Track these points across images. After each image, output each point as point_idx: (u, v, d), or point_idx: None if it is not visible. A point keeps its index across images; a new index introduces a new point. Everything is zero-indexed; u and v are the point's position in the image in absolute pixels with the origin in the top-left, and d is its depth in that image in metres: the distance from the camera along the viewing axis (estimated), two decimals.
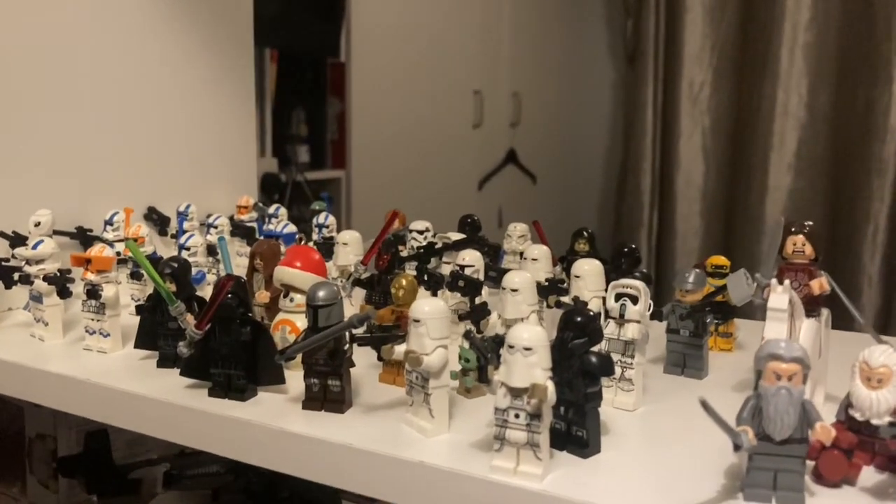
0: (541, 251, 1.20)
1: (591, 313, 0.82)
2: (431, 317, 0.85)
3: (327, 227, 1.43)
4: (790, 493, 0.72)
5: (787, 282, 0.81)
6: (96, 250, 1.10)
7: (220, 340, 0.95)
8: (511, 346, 0.76)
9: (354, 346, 0.94)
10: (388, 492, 0.84)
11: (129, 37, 1.58)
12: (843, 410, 0.81)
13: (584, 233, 1.31)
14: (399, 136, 3.54)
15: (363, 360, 1.00)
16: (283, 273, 1.02)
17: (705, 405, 0.66)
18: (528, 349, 0.75)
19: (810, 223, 0.90)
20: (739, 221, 3.53)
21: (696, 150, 3.68)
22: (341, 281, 1.27)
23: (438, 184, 3.73)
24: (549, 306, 1.12)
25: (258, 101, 3.08)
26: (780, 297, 0.79)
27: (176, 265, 1.03)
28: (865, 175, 3.17)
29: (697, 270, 1.05)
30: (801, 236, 0.88)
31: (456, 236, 1.32)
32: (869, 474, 0.78)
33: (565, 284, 1.11)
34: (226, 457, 0.94)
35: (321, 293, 0.91)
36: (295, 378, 0.97)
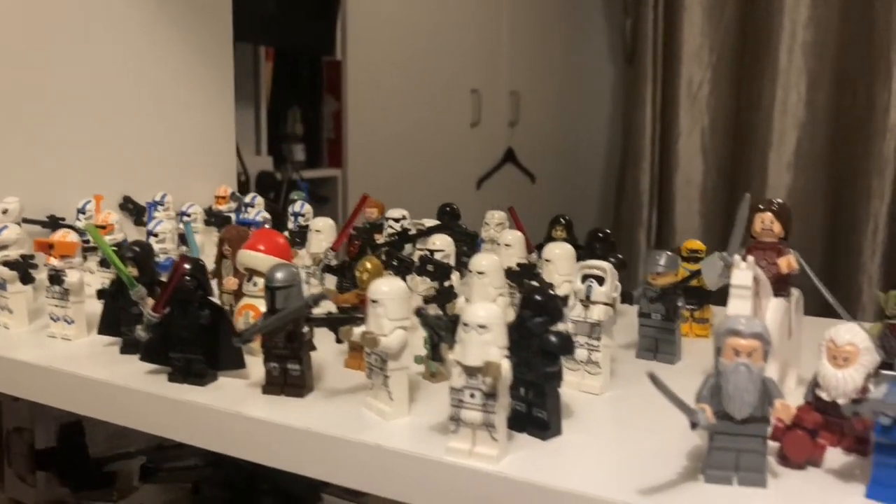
0: (514, 237, 1.18)
1: (551, 292, 0.80)
2: (390, 297, 0.83)
3: (303, 215, 1.41)
4: (752, 474, 0.70)
5: (750, 258, 0.78)
6: (59, 235, 1.08)
7: (179, 324, 0.93)
8: (466, 325, 0.74)
9: (317, 330, 0.92)
10: (344, 476, 0.82)
11: (108, 26, 1.57)
12: (810, 391, 0.79)
13: (562, 220, 1.30)
14: (396, 135, 3.52)
15: (330, 346, 0.98)
16: (246, 256, 1.00)
17: (654, 379, 0.64)
18: (482, 327, 0.73)
19: (779, 200, 0.87)
20: None
21: (696, 148, 3.66)
22: (313, 269, 1.25)
23: (436, 183, 3.70)
24: (521, 292, 1.10)
25: (253, 100, 3.08)
26: (743, 273, 0.77)
27: (138, 249, 1.02)
28: (865, 173, 3.14)
29: (669, 253, 1.03)
30: (769, 214, 0.86)
31: (431, 223, 1.30)
32: (837, 456, 0.76)
33: (537, 269, 1.09)
34: (184, 442, 0.92)
35: (279, 275, 0.89)
36: (257, 363, 0.95)
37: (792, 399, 0.82)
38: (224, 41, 1.76)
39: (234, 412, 0.87)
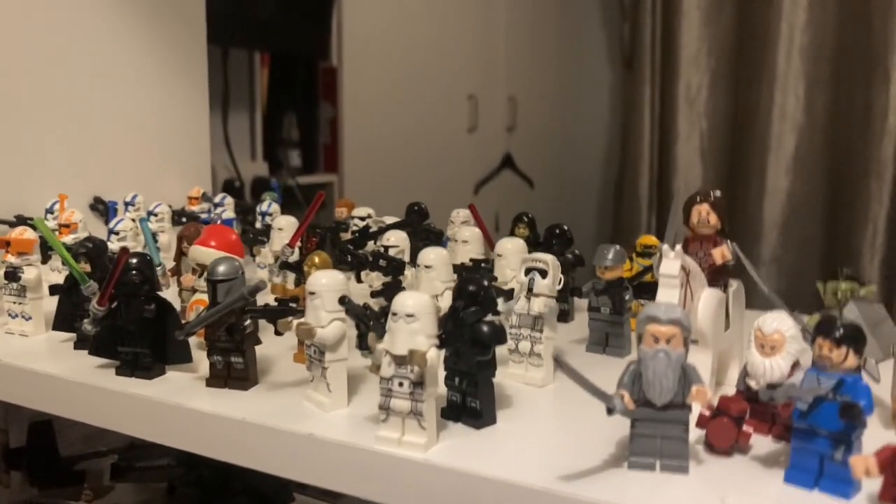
0: (472, 233, 1.19)
1: (484, 282, 0.80)
2: (328, 289, 0.83)
3: (270, 214, 1.42)
4: (674, 461, 0.70)
5: (678, 247, 0.78)
6: (17, 232, 1.09)
7: (125, 318, 0.94)
8: (395, 314, 0.74)
9: (264, 324, 0.92)
10: (278, 465, 0.83)
11: (79, 27, 1.58)
12: (741, 380, 0.79)
13: (525, 217, 1.30)
14: (392, 141, 3.52)
15: (281, 341, 0.99)
16: (197, 252, 1.01)
17: (560, 362, 0.64)
18: (410, 315, 0.74)
19: (717, 193, 0.87)
20: (738, 223, 3.49)
21: (694, 152, 3.66)
22: (274, 266, 1.26)
23: (433, 188, 3.69)
24: None
25: (249, 105, 3.09)
26: (671, 262, 0.77)
27: (91, 245, 1.03)
28: (864, 177, 3.13)
29: (617, 247, 1.03)
30: (705, 205, 0.86)
31: (393, 220, 1.31)
32: (765, 443, 0.76)
33: (488, 263, 1.09)
34: (128, 434, 0.92)
35: (220, 268, 0.89)
36: (206, 356, 0.95)
37: (731, 392, 0.82)
38: (198, 42, 1.77)
39: (174, 404, 0.88)
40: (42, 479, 1.42)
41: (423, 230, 1.32)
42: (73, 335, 1.07)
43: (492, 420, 0.81)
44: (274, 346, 0.99)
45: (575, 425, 0.82)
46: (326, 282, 0.84)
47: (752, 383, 0.76)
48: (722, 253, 0.85)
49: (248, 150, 3.11)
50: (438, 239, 1.34)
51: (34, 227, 1.11)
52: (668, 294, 0.77)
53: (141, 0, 1.67)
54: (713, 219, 0.86)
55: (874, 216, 3.11)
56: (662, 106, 3.74)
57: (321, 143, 3.42)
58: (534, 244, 1.24)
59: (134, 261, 0.93)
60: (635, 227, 3.81)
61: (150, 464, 1.50)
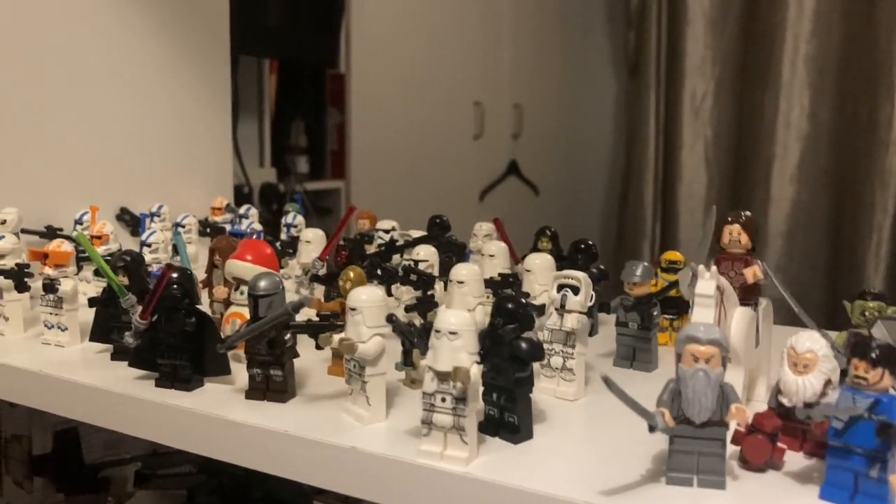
0: (498, 248, 1.21)
1: (521, 300, 0.82)
2: (368, 305, 0.86)
3: (295, 226, 1.44)
4: (711, 476, 0.72)
5: (713, 268, 0.81)
6: (54, 245, 1.11)
7: (166, 331, 0.96)
8: (438, 331, 0.77)
9: (301, 337, 0.94)
10: (320, 477, 0.84)
11: (105, 39, 1.60)
12: (773, 397, 0.81)
13: (547, 231, 1.32)
14: (399, 147, 3.54)
15: (315, 353, 1.01)
16: (233, 266, 1.03)
17: (608, 382, 0.66)
18: (453, 333, 0.76)
19: (747, 213, 0.90)
20: None
21: (699, 161, 3.67)
22: (303, 278, 1.28)
23: (439, 195, 3.72)
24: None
25: (257, 112, 3.11)
26: (706, 282, 0.79)
27: (129, 258, 1.05)
28: (869, 187, 3.14)
29: (645, 263, 1.05)
30: (736, 226, 0.88)
31: (419, 234, 1.33)
32: (798, 459, 0.78)
33: (517, 279, 1.11)
34: (169, 445, 0.94)
35: (262, 283, 0.91)
36: (243, 369, 0.97)
37: (761, 406, 0.84)
38: (221, 53, 1.79)
39: (215, 416, 0.90)
40: (68, 486, 1.44)
41: (446, 243, 1.34)
42: (109, 346, 1.09)
43: (529, 435, 0.83)
44: (307, 358, 1.01)
45: (610, 440, 0.85)
46: (367, 298, 0.86)
47: (785, 401, 0.78)
48: (754, 272, 0.87)
49: (256, 157, 3.13)
50: (461, 252, 1.36)
51: (70, 239, 1.12)
52: (703, 314, 0.79)
53: (166, 13, 1.69)
54: (744, 239, 0.88)
55: (879, 225, 3.13)
56: (667, 114, 3.76)
57: (329, 150, 3.44)
58: (557, 258, 1.26)
59: (175, 275, 0.95)
60: (639, 235, 3.83)
61: (172, 471, 1.52)
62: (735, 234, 0.88)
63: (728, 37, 3.57)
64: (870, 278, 3.14)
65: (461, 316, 0.77)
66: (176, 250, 1.35)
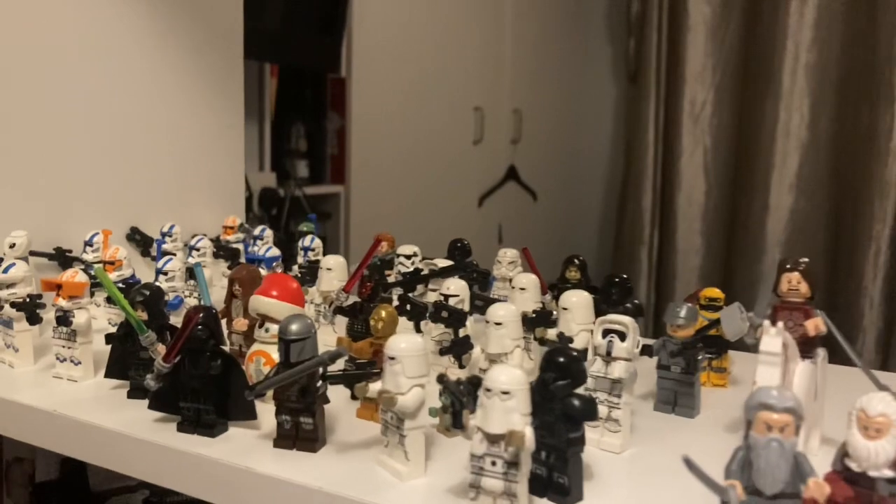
0: (529, 280, 1.16)
1: (575, 353, 0.78)
2: (408, 354, 0.81)
3: (313, 250, 1.39)
4: None
5: (780, 324, 0.77)
6: (68, 275, 1.06)
7: (189, 373, 0.91)
8: (488, 390, 0.72)
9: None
10: None
11: (114, 53, 1.55)
12: (839, 460, 0.77)
13: (576, 260, 1.27)
14: (399, 152, 3.51)
15: (341, 392, 0.96)
16: (259, 302, 0.99)
17: (689, 464, 0.62)
18: (505, 393, 0.72)
19: (806, 260, 0.86)
20: (740, 240, 3.51)
21: (698, 168, 3.66)
22: (324, 307, 1.23)
23: (438, 200, 3.70)
24: (535, 338, 1.08)
25: (257, 116, 3.07)
26: (773, 339, 0.75)
27: (148, 293, 1.00)
28: (867, 196, 3.14)
29: (689, 305, 1.01)
30: (796, 273, 0.85)
31: (443, 263, 1.28)
32: None
33: (554, 316, 1.07)
34: (194, 496, 0.89)
35: (294, 326, 0.87)
36: (268, 412, 0.92)
37: (815, 461, 0.80)
38: (235, 67, 1.74)
39: (244, 468, 0.85)
40: None
41: (470, 269, 1.30)
42: (124, 382, 1.04)
43: (579, 496, 0.79)
44: (334, 397, 0.96)
45: (660, 498, 0.81)
46: (406, 346, 0.82)
47: (854, 465, 0.74)
48: (816, 326, 0.83)
49: (256, 161, 3.09)
50: (485, 279, 1.32)
51: (85, 271, 1.07)
52: (769, 373, 0.75)
53: (177, 23, 1.63)
54: (804, 287, 0.85)
55: (877, 235, 3.12)
56: (666, 121, 3.74)
57: (329, 154, 3.40)
58: (586, 288, 1.22)
59: (200, 315, 0.91)
60: (637, 242, 3.81)
61: (181, 499, 1.47)
62: (794, 283, 0.85)
63: (728, 45, 3.56)
64: (868, 288, 3.13)
65: (514, 374, 0.73)
66: (191, 274, 1.30)
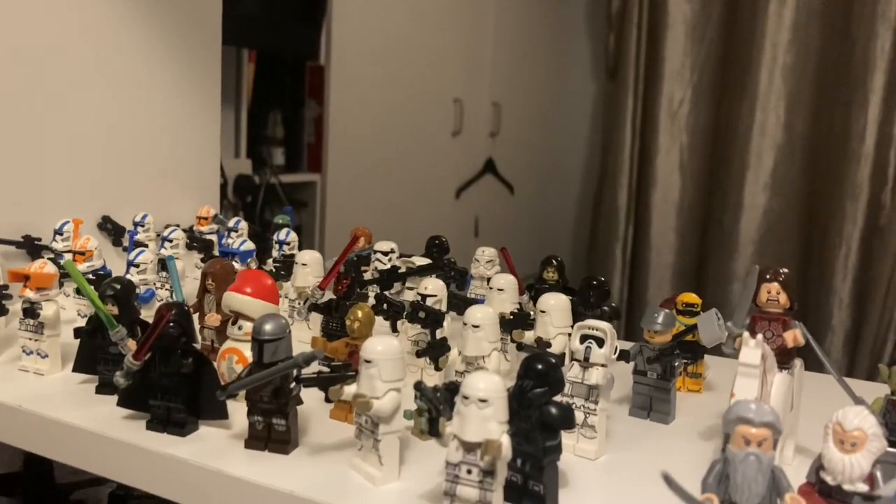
0: (507, 281, 1.16)
1: (553, 360, 0.77)
2: (384, 357, 0.80)
3: (288, 243, 1.37)
4: None
5: (759, 336, 0.76)
6: (36, 266, 1.03)
7: (160, 371, 0.90)
8: (466, 397, 0.71)
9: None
10: None
11: (88, 37, 1.51)
12: (813, 472, 0.77)
13: (554, 261, 1.27)
14: (377, 142, 3.48)
15: (315, 392, 0.95)
16: (232, 299, 0.97)
17: (668, 480, 0.61)
18: (483, 401, 0.71)
19: (785, 270, 0.85)
20: (714, 238, 3.53)
21: (674, 166, 3.68)
22: (298, 303, 1.21)
23: (415, 191, 3.68)
24: (513, 341, 1.08)
25: (234, 102, 3.03)
26: (752, 351, 0.75)
27: (118, 287, 0.98)
28: (839, 198, 3.17)
29: (666, 311, 1.00)
30: (775, 284, 0.84)
31: (421, 261, 1.27)
32: None
33: (531, 318, 1.06)
34: (163, 497, 0.88)
35: (268, 326, 0.85)
36: (240, 411, 0.91)
37: (790, 470, 0.80)
38: (212, 53, 1.70)
39: (214, 469, 0.83)
40: None
41: (447, 267, 1.28)
42: (92, 377, 1.02)
43: None
44: (307, 397, 0.95)
45: None
46: (383, 349, 0.80)
47: (828, 479, 0.74)
48: (795, 337, 0.83)
49: (232, 147, 3.05)
50: (462, 278, 1.31)
51: (56, 263, 1.05)
52: (747, 384, 0.74)
53: (153, 7, 1.59)
54: (783, 298, 0.84)
55: (848, 236, 3.16)
56: (644, 118, 3.75)
57: (305, 142, 3.37)
58: (563, 289, 1.21)
59: (172, 312, 0.89)
60: (612, 237, 3.82)
61: (147, 493, 1.44)
62: (774, 294, 0.84)
63: (707, 44, 3.57)
64: (837, 288, 3.17)
65: (492, 381, 0.72)
66: (164, 266, 1.28)
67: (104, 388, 0.99)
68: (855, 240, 3.17)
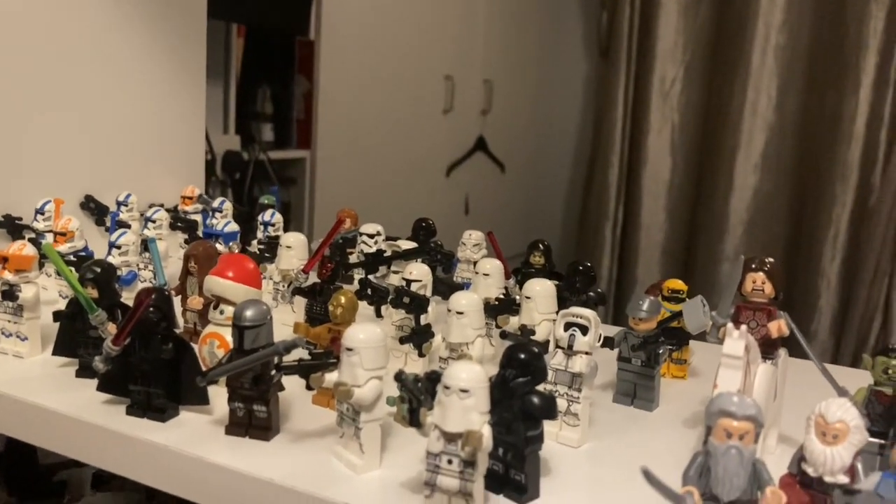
0: (493, 266, 1.15)
1: (536, 350, 0.77)
2: (366, 346, 0.79)
3: (273, 225, 1.36)
4: None
5: (743, 327, 0.76)
6: (15, 248, 1.02)
7: (140, 356, 0.89)
8: (447, 387, 0.71)
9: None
10: None
11: (69, 10, 1.48)
12: (795, 463, 0.77)
13: (540, 245, 1.26)
14: (367, 119, 3.45)
15: (296, 378, 0.94)
16: (214, 283, 0.96)
17: (648, 475, 0.61)
18: (464, 391, 0.70)
19: (771, 260, 0.85)
20: (704, 218, 3.54)
21: (665, 145, 3.67)
22: (282, 286, 1.20)
23: (406, 168, 3.66)
24: (497, 326, 1.07)
25: (223, 77, 2.99)
26: (735, 342, 0.75)
27: (99, 270, 0.96)
28: (829, 179, 3.17)
29: (652, 298, 1.00)
30: (760, 274, 0.84)
31: (407, 244, 1.26)
32: None
33: (517, 304, 1.06)
34: (143, 483, 0.87)
35: (249, 312, 0.84)
36: (221, 396, 0.90)
37: (772, 459, 0.80)
38: (197, 29, 1.67)
39: (194, 456, 0.83)
40: (21, 489, 1.36)
41: (434, 251, 1.27)
42: (72, 360, 1.01)
43: (536, 494, 0.78)
44: (290, 382, 0.94)
45: (617, 496, 0.80)
46: (365, 337, 0.79)
47: (810, 470, 0.74)
48: (779, 328, 0.82)
49: (220, 123, 3.02)
50: (449, 261, 1.30)
51: (35, 242, 1.03)
52: (730, 376, 0.74)
53: None
54: (768, 288, 0.84)
55: (837, 218, 3.16)
56: (636, 97, 3.73)
57: (295, 118, 3.34)
58: (550, 274, 1.21)
59: (152, 297, 0.87)
60: (602, 217, 3.81)
61: None
62: (759, 283, 0.84)
63: (700, 23, 3.55)
64: (825, 269, 3.18)
65: (473, 371, 0.71)
66: (146, 247, 1.27)
67: (84, 371, 0.98)
68: (844, 221, 3.17)
